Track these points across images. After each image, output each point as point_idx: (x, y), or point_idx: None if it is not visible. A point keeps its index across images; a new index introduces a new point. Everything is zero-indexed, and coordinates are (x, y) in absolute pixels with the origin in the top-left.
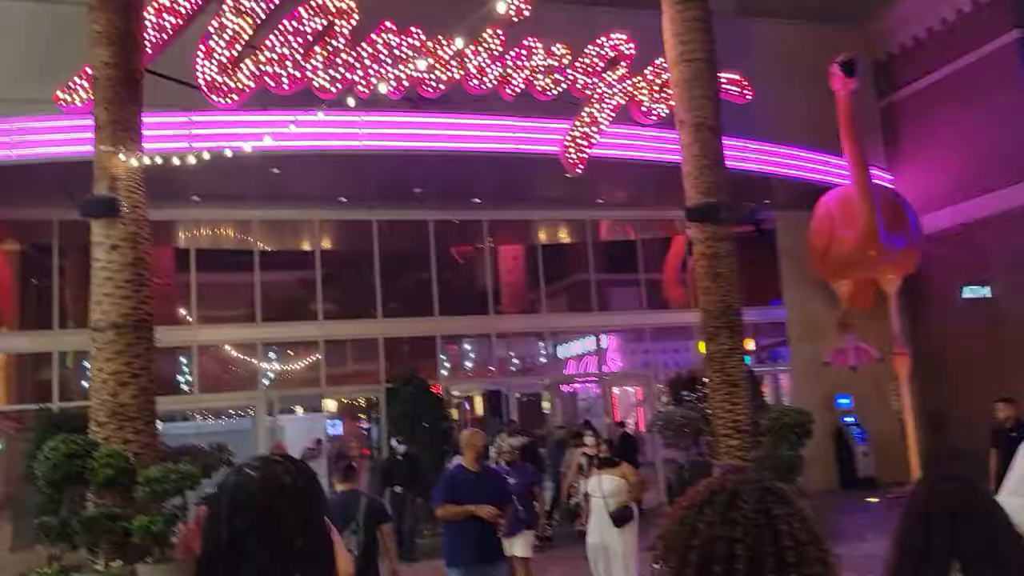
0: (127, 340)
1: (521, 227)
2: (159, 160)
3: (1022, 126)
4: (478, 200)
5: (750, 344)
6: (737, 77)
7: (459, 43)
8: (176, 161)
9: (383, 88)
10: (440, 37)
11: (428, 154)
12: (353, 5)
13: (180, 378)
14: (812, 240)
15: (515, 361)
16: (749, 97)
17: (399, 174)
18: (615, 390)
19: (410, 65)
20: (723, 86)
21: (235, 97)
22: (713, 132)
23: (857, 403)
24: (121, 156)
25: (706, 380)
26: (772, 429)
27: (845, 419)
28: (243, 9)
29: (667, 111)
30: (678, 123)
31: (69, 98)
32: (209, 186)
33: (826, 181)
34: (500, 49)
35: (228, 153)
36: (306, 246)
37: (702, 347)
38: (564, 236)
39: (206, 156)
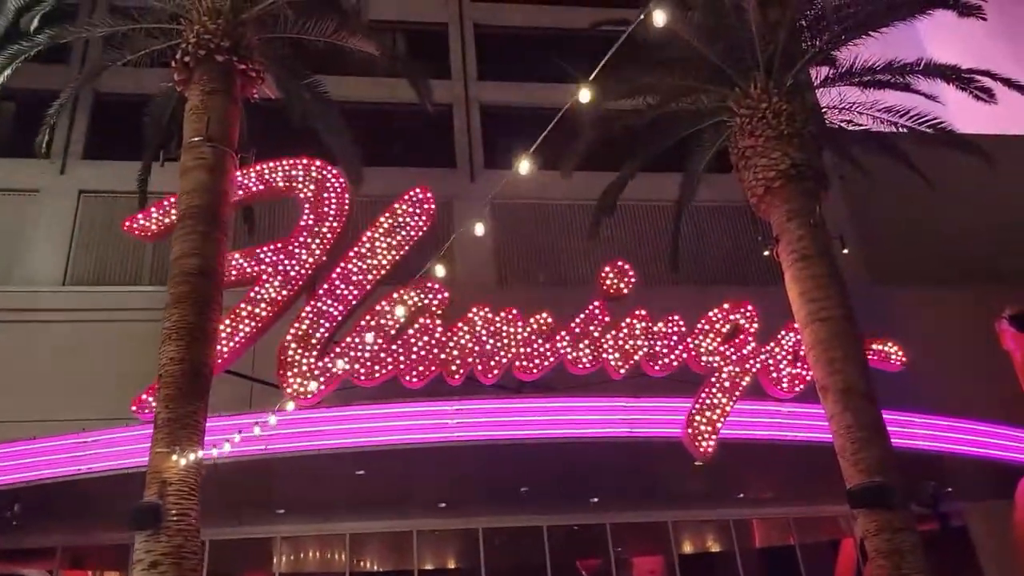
0: None
1: (653, 531)
2: (214, 452)
3: None
4: (596, 499)
5: None
6: (886, 343)
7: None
8: (215, 453)
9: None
10: (539, 316)
11: (527, 443)
12: (445, 293)
13: None
14: (1020, 537)
15: None
16: (903, 362)
17: (500, 470)
18: None
19: (502, 347)
20: (872, 352)
21: (312, 393)
22: (866, 398)
23: None
24: (174, 456)
25: None
26: None
27: None
28: (325, 309)
29: (807, 381)
30: (820, 390)
31: (147, 407)
32: (295, 496)
33: (1020, 461)
34: (604, 326)
35: (262, 424)
36: (403, 563)
37: None
38: (707, 543)
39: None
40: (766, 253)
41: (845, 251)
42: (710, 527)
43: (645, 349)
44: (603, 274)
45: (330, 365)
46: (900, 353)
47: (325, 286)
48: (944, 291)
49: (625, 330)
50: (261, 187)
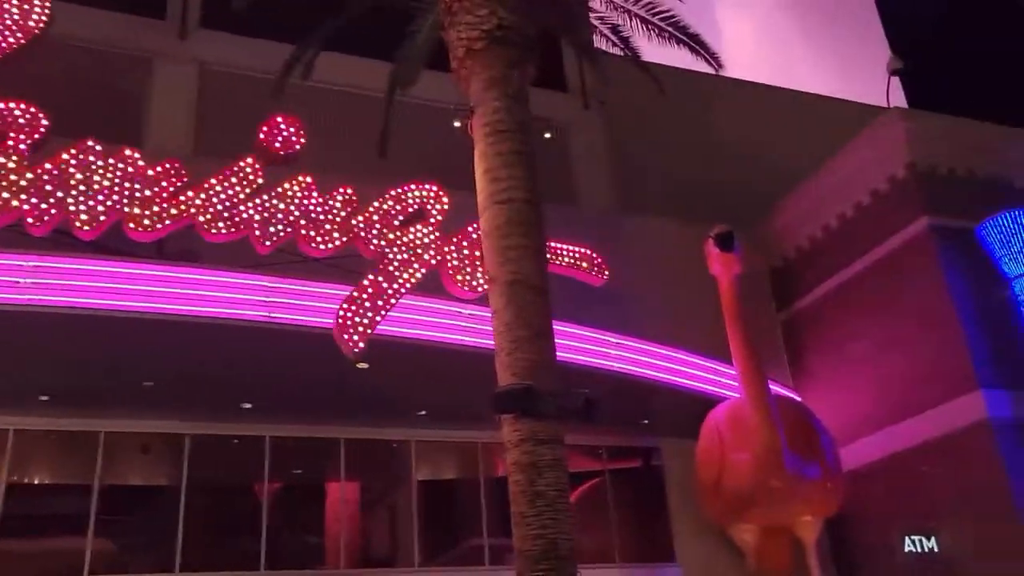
0: None
1: (324, 449)
2: None
3: (950, 327)
4: (248, 405)
5: None
6: (587, 251)
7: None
8: None
9: None
10: (165, 166)
11: (125, 318)
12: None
13: None
14: (699, 471)
15: None
16: (605, 277)
17: (110, 354)
18: None
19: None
20: (570, 257)
21: None
22: (536, 293)
23: None
24: None
25: None
26: None
27: None
28: None
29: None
30: (489, 284)
31: None
32: None
33: (718, 394)
34: (253, 187)
35: None
36: None
37: None
38: (388, 467)
39: None
40: (456, 124)
41: (548, 135)
42: (390, 448)
43: (303, 221)
44: (267, 127)
45: None
46: (601, 266)
47: None
48: (680, 226)
49: (275, 195)
50: None
